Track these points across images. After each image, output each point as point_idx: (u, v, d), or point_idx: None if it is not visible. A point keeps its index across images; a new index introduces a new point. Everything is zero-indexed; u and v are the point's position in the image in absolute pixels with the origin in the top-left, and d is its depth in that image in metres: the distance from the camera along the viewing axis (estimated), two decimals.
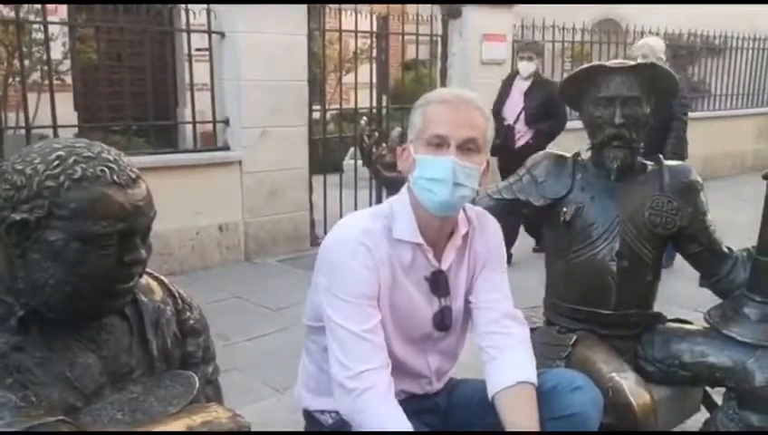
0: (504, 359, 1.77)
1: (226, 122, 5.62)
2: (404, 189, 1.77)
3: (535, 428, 1.66)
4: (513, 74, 5.91)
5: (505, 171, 5.51)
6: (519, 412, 1.68)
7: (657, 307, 2.43)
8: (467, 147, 1.65)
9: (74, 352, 1.26)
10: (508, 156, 5.25)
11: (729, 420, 2.20)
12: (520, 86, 5.73)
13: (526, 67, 5.69)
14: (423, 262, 1.75)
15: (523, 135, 5.70)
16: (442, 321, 1.79)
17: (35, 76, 7.20)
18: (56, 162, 1.16)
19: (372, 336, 1.65)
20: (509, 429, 1.68)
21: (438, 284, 1.77)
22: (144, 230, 1.25)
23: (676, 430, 2.51)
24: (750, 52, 10.68)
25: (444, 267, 1.77)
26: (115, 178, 1.18)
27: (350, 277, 1.66)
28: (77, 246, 1.16)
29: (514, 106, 5.73)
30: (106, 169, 1.18)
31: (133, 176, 1.22)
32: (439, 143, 1.65)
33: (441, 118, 1.66)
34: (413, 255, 1.73)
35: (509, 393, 1.71)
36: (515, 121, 5.67)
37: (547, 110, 5.62)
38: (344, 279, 1.66)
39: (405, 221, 1.72)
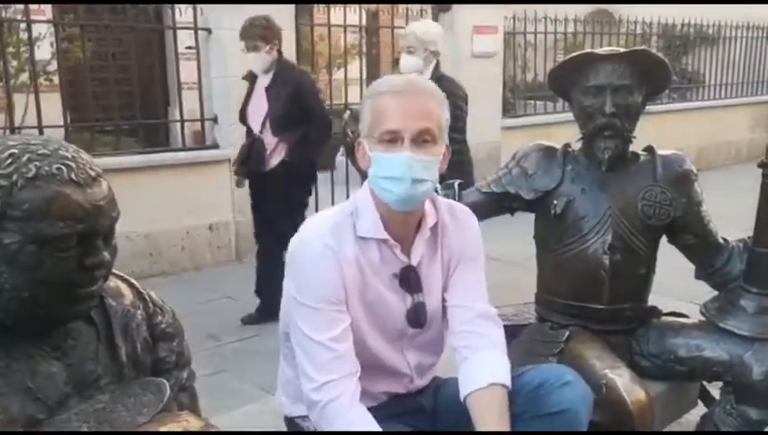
0: (476, 360, 1.70)
1: (215, 120, 5.55)
2: (365, 184, 1.69)
3: (506, 429, 1.61)
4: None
5: (255, 208, 4.35)
6: (489, 414, 1.62)
7: (651, 300, 2.38)
8: (422, 139, 1.56)
9: (36, 359, 1.19)
10: (259, 180, 4.18)
11: (727, 416, 2.16)
12: (262, 81, 4.14)
13: (257, 60, 4.03)
14: (391, 258, 1.68)
15: (274, 150, 4.09)
16: (416, 317, 1.72)
17: (24, 77, 7.12)
18: (9, 160, 1.09)
19: (337, 345, 1.58)
20: (478, 431, 1.62)
21: (408, 280, 1.70)
22: (106, 231, 1.18)
23: (673, 425, 2.46)
24: (744, 40, 10.63)
25: (413, 262, 1.70)
26: (72, 176, 1.11)
27: (315, 282, 1.59)
28: (33, 250, 1.10)
29: (258, 109, 4.13)
30: (63, 166, 1.11)
31: (93, 174, 1.15)
32: (392, 139, 1.56)
33: (391, 111, 1.56)
34: (380, 251, 1.66)
35: (479, 395, 1.65)
36: (261, 130, 4.10)
37: (298, 109, 3.98)
38: (309, 284, 1.60)
39: (368, 218, 1.65)
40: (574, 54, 2.29)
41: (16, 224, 1.09)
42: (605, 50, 2.27)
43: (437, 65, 3.91)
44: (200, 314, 4.13)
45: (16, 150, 1.11)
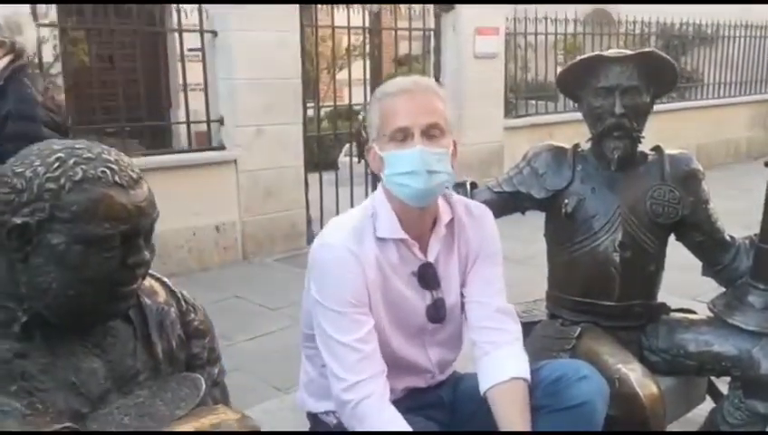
0: (497, 355, 1.75)
1: (221, 122, 5.59)
2: (380, 187, 1.75)
3: (527, 425, 1.65)
4: None
5: None
6: (511, 408, 1.67)
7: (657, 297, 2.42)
8: (431, 133, 1.62)
9: (79, 356, 1.24)
10: None
11: (735, 409, 2.19)
12: None
13: None
14: (410, 257, 1.74)
15: None
16: (436, 313, 1.78)
17: None
18: (56, 164, 1.14)
19: (363, 345, 1.63)
20: (500, 425, 1.67)
21: (427, 277, 1.75)
22: (147, 231, 1.23)
23: (681, 420, 2.50)
24: (742, 40, 10.68)
25: (431, 259, 1.75)
26: (116, 178, 1.16)
27: (337, 286, 1.64)
28: (79, 249, 1.14)
29: None
30: (107, 169, 1.16)
31: (135, 176, 1.20)
32: (403, 136, 1.62)
33: (398, 110, 1.63)
34: (398, 251, 1.72)
35: (501, 389, 1.70)
36: None
37: None
38: (332, 288, 1.65)
39: (386, 218, 1.70)
40: (583, 57, 2.33)
41: (64, 225, 1.13)
42: (613, 52, 2.32)
43: (17, 60, 2.54)
44: (210, 314, 4.14)
45: (62, 154, 1.15)
